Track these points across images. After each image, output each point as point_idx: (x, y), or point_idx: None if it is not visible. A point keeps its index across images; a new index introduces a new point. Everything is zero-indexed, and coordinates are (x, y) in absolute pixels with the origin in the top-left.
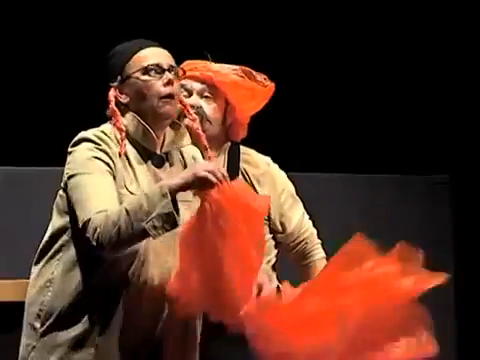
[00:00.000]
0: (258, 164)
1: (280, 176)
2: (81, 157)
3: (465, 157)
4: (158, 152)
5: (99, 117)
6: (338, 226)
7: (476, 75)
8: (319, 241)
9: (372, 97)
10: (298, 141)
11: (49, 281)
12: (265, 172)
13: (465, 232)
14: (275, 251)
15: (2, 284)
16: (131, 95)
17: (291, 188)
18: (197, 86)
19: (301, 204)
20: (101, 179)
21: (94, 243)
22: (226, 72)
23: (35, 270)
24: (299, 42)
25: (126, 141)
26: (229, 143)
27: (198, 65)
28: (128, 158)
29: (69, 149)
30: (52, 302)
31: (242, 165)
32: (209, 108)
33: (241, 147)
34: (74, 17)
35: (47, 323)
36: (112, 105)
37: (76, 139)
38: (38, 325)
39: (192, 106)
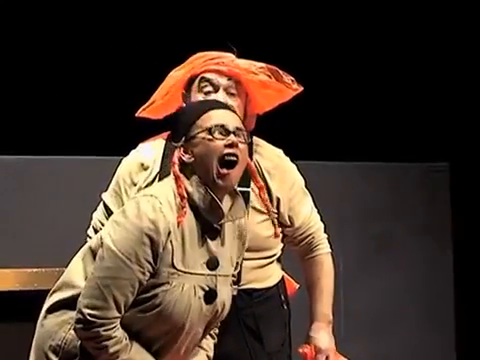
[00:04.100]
0: (270, 156)
1: (291, 170)
2: (127, 243)
3: (464, 145)
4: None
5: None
6: (337, 214)
7: (475, 63)
8: (325, 235)
9: (372, 85)
10: (297, 129)
11: (72, 319)
12: (276, 165)
13: (464, 220)
14: (281, 244)
15: (2, 273)
16: (195, 155)
17: (301, 182)
18: (224, 82)
19: (310, 198)
20: (131, 278)
21: (79, 329)
22: (254, 70)
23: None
24: (298, 31)
25: (187, 208)
26: None
27: (225, 59)
28: (183, 228)
29: (125, 207)
30: (75, 343)
31: (254, 156)
32: (235, 105)
33: (253, 138)
34: (72, 17)
35: None
36: (175, 169)
37: (134, 203)
38: (54, 359)
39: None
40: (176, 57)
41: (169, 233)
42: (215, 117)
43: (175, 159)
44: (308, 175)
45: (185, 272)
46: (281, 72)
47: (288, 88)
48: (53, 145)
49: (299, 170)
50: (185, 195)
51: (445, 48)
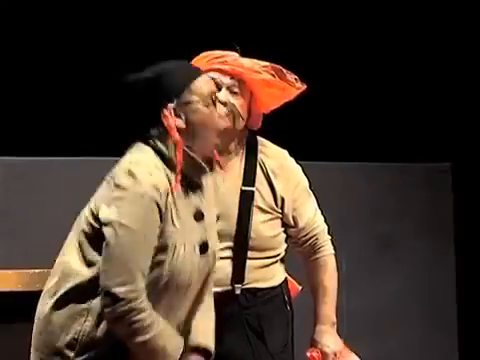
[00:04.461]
0: (275, 156)
1: (295, 170)
2: (136, 213)
3: (467, 145)
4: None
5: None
6: (340, 215)
7: (477, 63)
8: (329, 237)
9: (374, 85)
10: (299, 129)
11: (85, 310)
12: (281, 165)
13: (466, 220)
14: (285, 245)
15: (4, 274)
16: (189, 122)
17: (306, 183)
18: (226, 81)
19: (314, 199)
20: (149, 246)
21: (111, 310)
22: (257, 69)
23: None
24: (301, 32)
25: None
26: (246, 132)
27: (228, 58)
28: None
29: (118, 182)
30: (94, 334)
31: (259, 156)
32: (238, 104)
33: (259, 138)
34: (72, 18)
35: (85, 355)
36: (176, 134)
37: (127, 174)
38: (71, 354)
39: (224, 103)
40: (178, 57)
41: (167, 194)
42: (209, 84)
43: (171, 124)
44: (310, 176)
45: (183, 229)
46: (285, 71)
47: (291, 87)
48: (54, 146)
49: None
50: (181, 160)
51: (447, 48)
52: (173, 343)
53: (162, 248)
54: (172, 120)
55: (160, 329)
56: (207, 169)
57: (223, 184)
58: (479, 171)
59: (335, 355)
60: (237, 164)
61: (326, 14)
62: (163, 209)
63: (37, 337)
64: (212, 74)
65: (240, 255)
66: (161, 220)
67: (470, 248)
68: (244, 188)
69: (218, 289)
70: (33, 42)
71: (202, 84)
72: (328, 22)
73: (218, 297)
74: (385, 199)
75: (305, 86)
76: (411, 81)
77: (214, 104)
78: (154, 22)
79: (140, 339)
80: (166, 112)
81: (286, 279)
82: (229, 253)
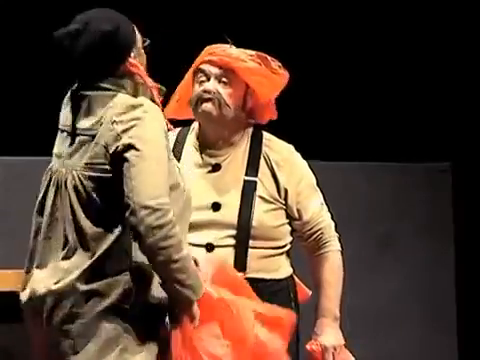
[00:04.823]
0: (280, 150)
1: (300, 165)
2: (155, 133)
3: (467, 145)
4: None
5: None
6: (339, 214)
7: (476, 63)
8: (336, 234)
9: (374, 85)
10: (299, 128)
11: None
12: (286, 158)
13: (466, 219)
14: (290, 237)
15: (4, 274)
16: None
17: (311, 178)
18: (215, 71)
19: (320, 195)
20: (167, 168)
21: (148, 224)
22: (243, 58)
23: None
24: (301, 31)
25: None
26: (252, 128)
27: (217, 50)
28: None
29: (130, 112)
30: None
31: (264, 149)
32: (226, 93)
33: (264, 133)
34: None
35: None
36: (148, 78)
37: (145, 103)
38: (127, 306)
39: (208, 91)
40: (179, 57)
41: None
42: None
43: (142, 71)
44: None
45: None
46: (269, 58)
47: (274, 74)
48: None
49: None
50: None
51: (447, 48)
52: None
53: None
54: (141, 68)
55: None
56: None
57: (226, 174)
58: (479, 171)
59: (335, 349)
60: (240, 155)
61: (326, 12)
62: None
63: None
64: (203, 66)
65: (242, 244)
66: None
67: (470, 248)
68: (247, 178)
69: None
70: (33, 42)
71: (137, 32)
72: (328, 21)
73: None
74: (385, 199)
75: (286, 73)
76: (411, 80)
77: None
78: (153, 23)
79: (176, 256)
80: (133, 61)
81: (293, 276)
82: (231, 241)
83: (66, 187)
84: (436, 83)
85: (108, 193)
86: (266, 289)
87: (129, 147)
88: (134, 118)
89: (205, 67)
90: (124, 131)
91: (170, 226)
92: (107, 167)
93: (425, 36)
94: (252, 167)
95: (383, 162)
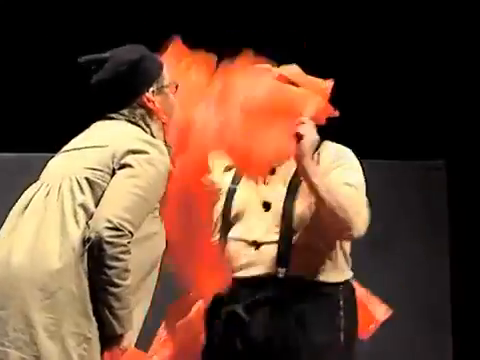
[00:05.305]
0: (333, 152)
1: (352, 164)
2: (157, 175)
3: (461, 142)
4: None
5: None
6: None
7: (470, 61)
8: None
9: (368, 83)
10: None
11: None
12: (337, 159)
13: (461, 217)
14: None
15: None
16: (162, 106)
17: (353, 176)
18: None
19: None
20: (149, 210)
21: (98, 239)
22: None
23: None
24: (295, 26)
25: None
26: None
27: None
28: None
29: (145, 152)
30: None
31: (318, 151)
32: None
33: (325, 141)
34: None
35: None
36: (163, 115)
37: (144, 146)
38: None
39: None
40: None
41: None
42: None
43: (158, 106)
44: None
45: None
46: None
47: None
48: (54, 143)
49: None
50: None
51: (441, 45)
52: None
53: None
54: (157, 104)
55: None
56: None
57: (278, 176)
58: (473, 168)
59: None
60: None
61: (321, 11)
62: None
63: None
64: None
65: (285, 239)
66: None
67: (465, 246)
68: (293, 178)
69: (262, 272)
70: (32, 40)
71: (167, 71)
72: (322, 19)
73: (261, 280)
74: (379, 197)
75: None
76: (405, 78)
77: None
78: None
79: (116, 281)
80: (149, 95)
81: (350, 283)
82: (275, 237)
83: (59, 191)
84: (430, 81)
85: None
86: (310, 290)
87: (128, 166)
88: (146, 151)
89: None
90: (132, 152)
91: (123, 249)
92: (106, 176)
93: (420, 35)
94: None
95: (377, 160)
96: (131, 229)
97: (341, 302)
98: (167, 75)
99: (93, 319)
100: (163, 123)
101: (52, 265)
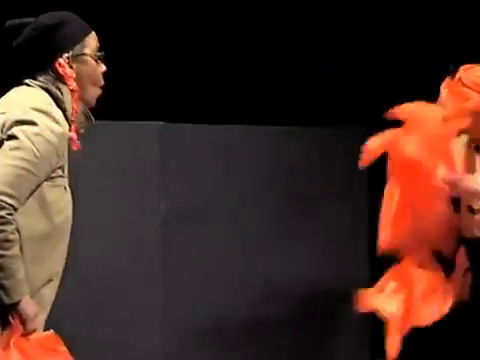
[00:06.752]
0: None
1: None
2: (47, 148)
3: (381, 110)
4: None
5: None
6: (256, 178)
7: (390, 31)
8: None
9: (286, 50)
10: (226, 92)
11: None
12: None
13: (380, 184)
14: None
15: None
16: (77, 71)
17: None
18: None
19: None
20: (37, 180)
21: None
22: None
23: None
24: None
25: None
26: None
27: None
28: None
29: (33, 123)
30: None
31: None
32: None
33: None
34: None
35: None
36: (72, 82)
37: (33, 116)
38: None
39: None
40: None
41: (63, 140)
42: (96, 41)
43: (68, 72)
44: (228, 138)
45: (65, 176)
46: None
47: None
48: None
49: (220, 134)
50: (77, 110)
51: (359, 11)
52: (22, 275)
53: (52, 187)
54: (68, 69)
55: (19, 254)
56: (93, 120)
57: None
58: None
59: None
60: None
61: None
62: (64, 153)
63: None
64: None
65: None
66: (58, 163)
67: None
68: None
69: None
70: None
71: (93, 40)
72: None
73: None
74: (302, 163)
75: None
76: (327, 49)
77: (99, 61)
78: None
79: (4, 252)
80: (61, 61)
81: None
82: None
83: None
84: (350, 50)
85: None
86: None
87: (14, 138)
88: (34, 122)
89: None
90: (20, 123)
91: (3, 221)
92: None
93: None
94: None
95: (299, 126)
96: (11, 202)
97: None
98: (93, 44)
99: None
100: (71, 90)
101: None
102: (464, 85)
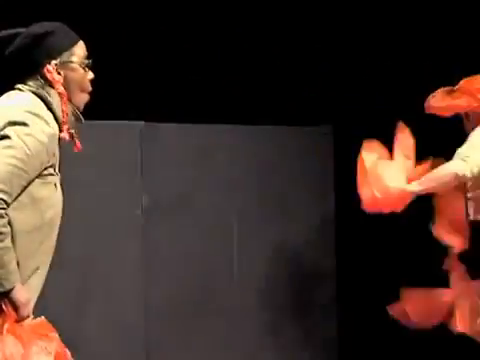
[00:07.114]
0: None
1: None
2: (38, 148)
3: (346, 109)
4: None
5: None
6: (223, 177)
7: (356, 29)
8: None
9: (256, 48)
10: (200, 92)
11: None
12: None
13: (347, 181)
14: None
15: None
16: (65, 78)
17: None
18: None
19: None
20: (29, 178)
21: None
22: None
23: None
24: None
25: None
26: None
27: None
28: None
29: (24, 124)
30: None
31: None
32: None
33: None
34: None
35: None
36: (61, 88)
37: (25, 117)
38: None
39: None
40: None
41: (58, 141)
42: (85, 50)
43: (56, 77)
44: (203, 137)
45: (56, 173)
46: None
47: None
48: None
49: (190, 133)
50: (67, 112)
51: (327, 11)
52: (14, 265)
53: (44, 184)
54: (55, 75)
55: (10, 246)
56: (83, 120)
57: None
58: (358, 132)
59: None
60: None
61: None
62: (55, 152)
63: None
64: None
65: None
66: (49, 161)
67: (349, 209)
68: None
69: None
70: None
71: (80, 49)
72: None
73: None
74: (271, 160)
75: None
76: (293, 46)
77: (87, 68)
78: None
79: None
80: (50, 67)
81: None
82: None
83: None
84: (315, 49)
85: None
86: None
87: (7, 137)
88: (25, 123)
89: None
90: (13, 124)
91: None
92: None
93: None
94: None
95: (267, 125)
96: (3, 196)
97: None
98: (81, 53)
99: None
100: (59, 93)
101: None
102: (459, 89)
